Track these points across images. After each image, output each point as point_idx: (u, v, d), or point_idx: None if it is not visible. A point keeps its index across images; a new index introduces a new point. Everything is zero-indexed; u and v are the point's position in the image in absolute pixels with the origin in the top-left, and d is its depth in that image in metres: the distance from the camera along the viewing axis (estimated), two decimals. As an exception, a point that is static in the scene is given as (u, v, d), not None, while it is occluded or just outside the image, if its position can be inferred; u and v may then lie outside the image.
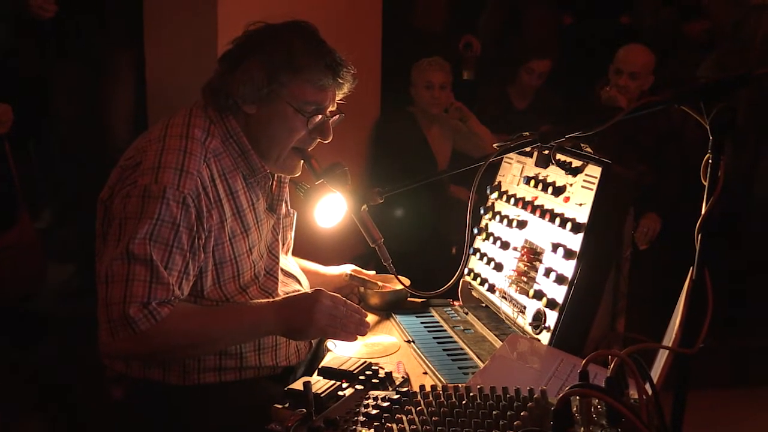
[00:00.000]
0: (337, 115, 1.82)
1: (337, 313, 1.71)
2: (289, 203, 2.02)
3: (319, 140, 1.82)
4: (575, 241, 1.81)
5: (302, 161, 1.84)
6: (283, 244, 1.98)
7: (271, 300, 1.76)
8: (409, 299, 2.27)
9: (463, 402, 1.33)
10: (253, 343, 1.78)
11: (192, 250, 1.64)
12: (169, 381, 1.72)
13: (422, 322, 2.14)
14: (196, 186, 1.64)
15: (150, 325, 1.54)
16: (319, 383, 1.51)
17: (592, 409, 1.15)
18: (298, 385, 1.43)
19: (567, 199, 1.89)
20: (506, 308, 2.02)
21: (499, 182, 2.24)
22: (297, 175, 1.88)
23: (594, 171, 1.84)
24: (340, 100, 1.83)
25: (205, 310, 1.71)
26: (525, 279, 1.96)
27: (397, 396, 1.41)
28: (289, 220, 2.01)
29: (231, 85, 1.71)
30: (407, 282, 2.03)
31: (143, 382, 1.73)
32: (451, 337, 2.03)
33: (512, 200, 2.11)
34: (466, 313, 2.21)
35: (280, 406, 1.40)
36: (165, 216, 1.59)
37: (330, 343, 1.93)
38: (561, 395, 1.10)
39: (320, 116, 1.76)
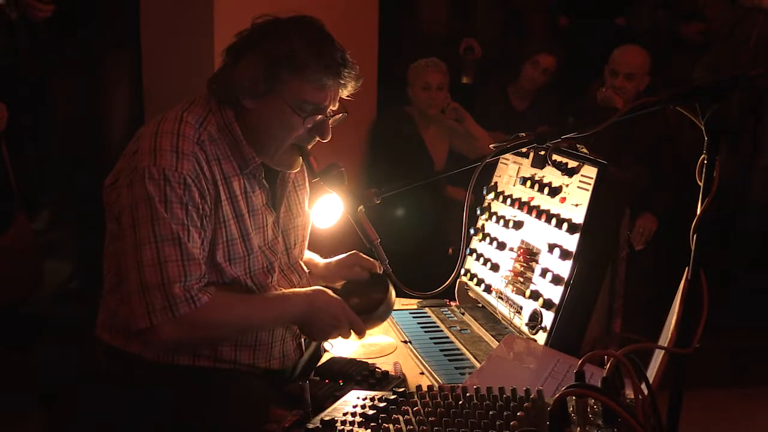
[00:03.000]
0: (339, 114, 1.81)
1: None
2: (306, 203, 2.01)
3: (318, 139, 1.81)
4: (571, 242, 1.82)
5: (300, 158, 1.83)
6: (295, 245, 1.97)
7: (302, 291, 1.81)
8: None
9: (460, 402, 1.33)
10: (249, 343, 1.78)
11: (202, 227, 1.66)
12: (163, 360, 1.72)
13: (419, 323, 2.14)
14: (193, 166, 1.64)
15: (190, 310, 1.57)
16: (316, 384, 1.51)
17: (589, 410, 1.16)
18: (295, 385, 1.43)
19: (563, 199, 1.90)
20: (503, 309, 2.02)
21: (496, 183, 2.24)
22: (295, 170, 1.87)
23: (590, 172, 1.85)
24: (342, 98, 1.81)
25: (243, 298, 1.74)
26: (521, 279, 1.97)
27: (394, 396, 1.41)
28: (301, 220, 1.98)
29: (231, 78, 1.71)
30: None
31: (130, 356, 1.73)
32: (447, 337, 2.04)
33: (508, 201, 2.12)
34: (463, 314, 2.21)
35: (277, 407, 1.40)
36: (172, 197, 1.60)
37: (327, 344, 1.94)
38: (557, 395, 1.10)
39: (319, 116, 1.75)
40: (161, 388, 1.71)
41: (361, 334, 1.81)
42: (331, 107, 1.78)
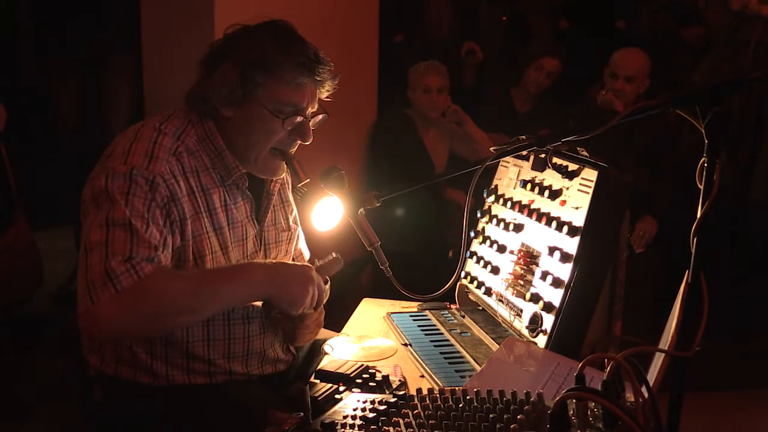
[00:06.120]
0: (320, 116, 1.79)
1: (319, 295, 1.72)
2: (290, 219, 1.99)
3: (299, 142, 1.78)
4: (572, 245, 1.82)
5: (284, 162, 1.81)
6: (276, 259, 1.94)
7: (264, 261, 1.72)
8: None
9: (460, 405, 1.33)
10: (241, 350, 1.77)
11: (167, 228, 1.61)
12: (159, 383, 1.71)
13: (419, 325, 2.14)
14: (167, 169, 1.62)
15: (133, 281, 1.45)
16: (316, 387, 1.51)
17: (589, 413, 1.16)
18: (295, 388, 1.43)
19: (563, 202, 1.90)
20: (503, 311, 2.02)
21: (496, 186, 2.24)
22: (280, 176, 1.85)
23: (590, 174, 1.85)
24: (327, 98, 1.79)
25: (192, 271, 1.65)
26: (522, 282, 1.97)
27: (394, 399, 1.41)
28: (286, 235, 1.96)
29: (208, 89, 1.70)
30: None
31: (125, 383, 1.71)
32: (447, 340, 2.03)
33: (509, 203, 2.12)
34: (463, 317, 2.21)
35: (277, 410, 1.40)
36: (136, 191, 1.56)
37: (327, 347, 1.93)
38: (557, 398, 1.10)
39: (298, 118, 1.73)
40: (161, 410, 1.69)
41: (322, 300, 1.75)
42: (310, 108, 1.76)
